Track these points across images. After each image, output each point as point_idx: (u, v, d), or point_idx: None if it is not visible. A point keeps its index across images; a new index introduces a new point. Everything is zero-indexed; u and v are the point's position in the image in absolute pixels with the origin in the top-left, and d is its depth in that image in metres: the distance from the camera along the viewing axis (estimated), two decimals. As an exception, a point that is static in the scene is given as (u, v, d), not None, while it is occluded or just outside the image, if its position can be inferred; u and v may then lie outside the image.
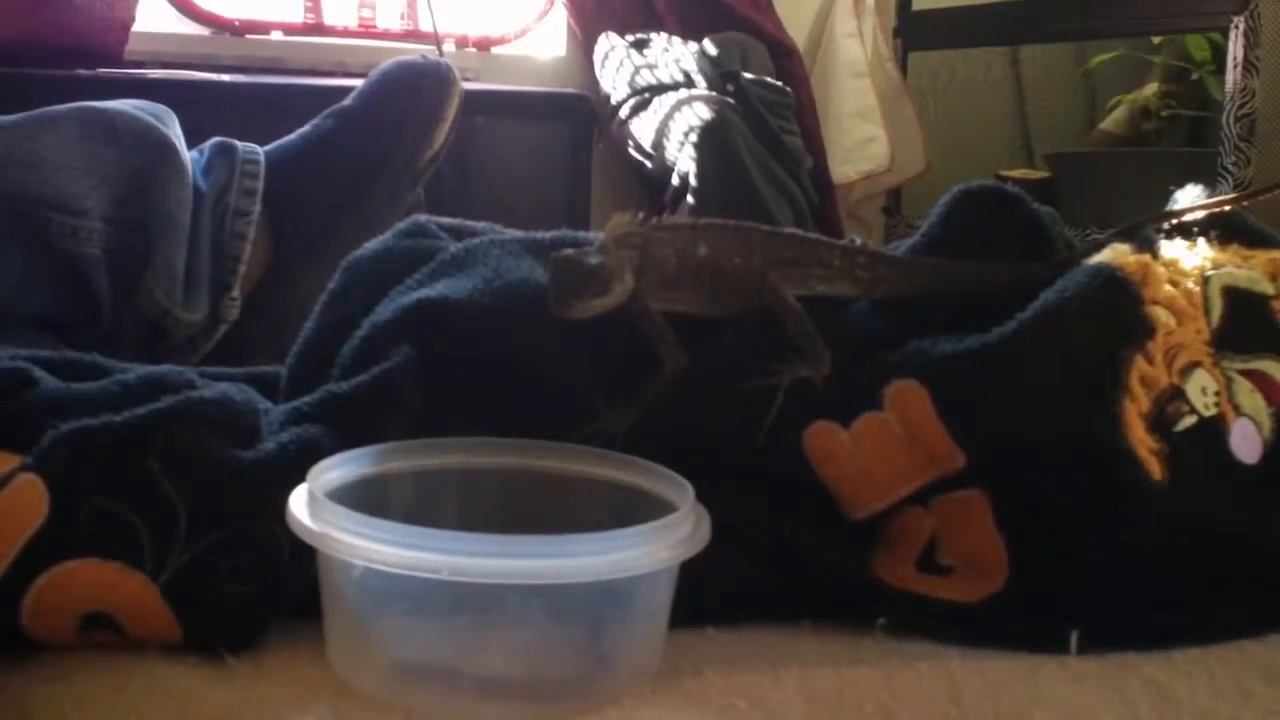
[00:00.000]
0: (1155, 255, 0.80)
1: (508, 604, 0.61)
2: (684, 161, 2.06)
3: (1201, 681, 0.67)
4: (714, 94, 2.13)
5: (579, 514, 0.68)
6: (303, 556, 0.64)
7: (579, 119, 1.97)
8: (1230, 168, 2.05)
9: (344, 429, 0.71)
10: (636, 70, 2.25)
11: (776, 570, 0.73)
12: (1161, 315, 0.75)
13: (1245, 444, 0.76)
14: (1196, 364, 0.76)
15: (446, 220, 0.88)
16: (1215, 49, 2.54)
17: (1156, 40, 2.74)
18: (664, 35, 2.31)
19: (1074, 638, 0.70)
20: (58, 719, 0.59)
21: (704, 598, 0.68)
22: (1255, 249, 0.84)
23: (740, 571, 0.72)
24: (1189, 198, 0.90)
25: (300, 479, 0.65)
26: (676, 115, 2.11)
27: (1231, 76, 2.07)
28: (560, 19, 2.47)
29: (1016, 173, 2.67)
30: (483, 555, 0.58)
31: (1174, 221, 0.85)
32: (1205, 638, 0.72)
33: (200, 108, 1.40)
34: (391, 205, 1.28)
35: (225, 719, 0.60)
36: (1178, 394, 0.74)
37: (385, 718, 0.60)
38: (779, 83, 2.24)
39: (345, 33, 2.33)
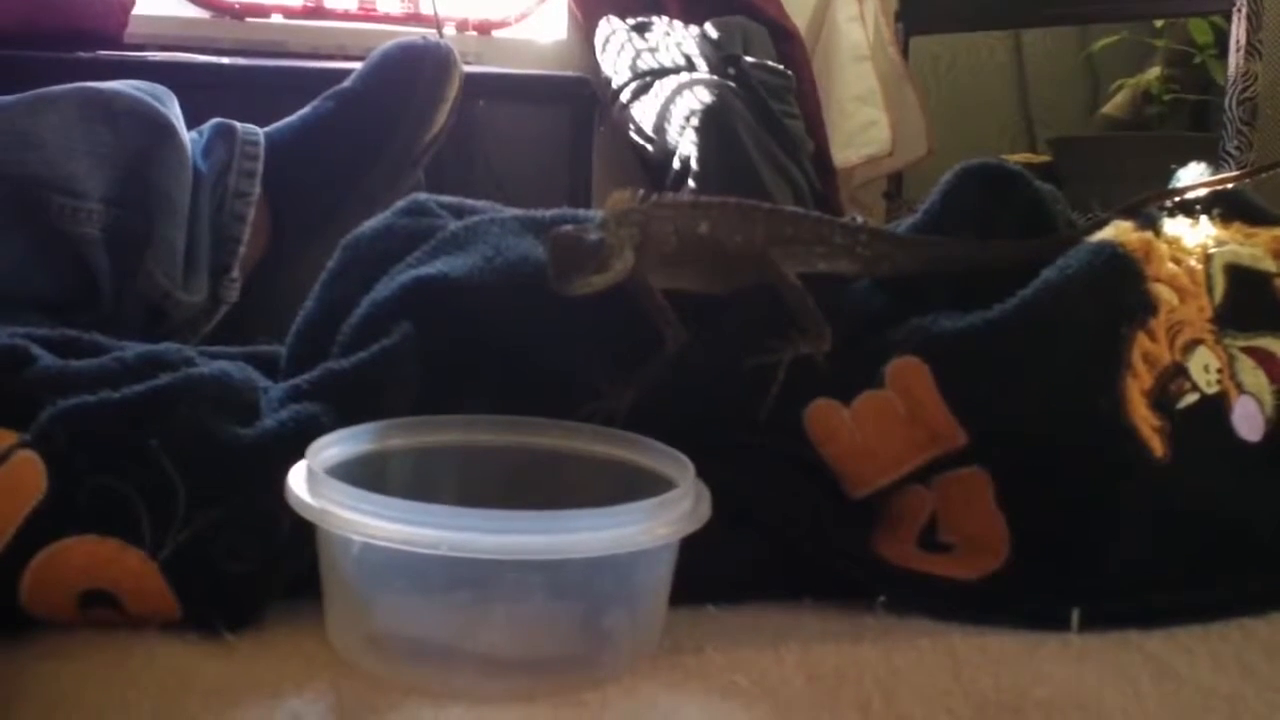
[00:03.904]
0: (1158, 233, 0.79)
1: (507, 580, 0.61)
2: (685, 145, 2.05)
3: (1203, 658, 0.67)
4: (715, 78, 2.12)
5: (579, 491, 0.68)
6: (302, 534, 0.64)
7: (580, 103, 1.96)
8: (1232, 151, 2.04)
9: (343, 406, 0.71)
10: (638, 54, 2.25)
11: (777, 548, 0.73)
12: (1164, 293, 0.75)
13: (1247, 422, 0.76)
14: (1199, 341, 0.75)
15: (446, 199, 0.88)
16: (1218, 32, 2.54)
17: (1159, 24, 2.74)
18: (665, 19, 2.30)
19: (1075, 615, 0.70)
20: (57, 696, 0.59)
21: (705, 575, 0.68)
22: (1258, 227, 0.84)
23: (741, 549, 0.72)
24: (1191, 176, 0.89)
25: (299, 456, 0.65)
26: (678, 99, 2.11)
27: (1234, 60, 2.07)
28: (561, 2, 2.46)
29: (1018, 157, 2.67)
30: (482, 531, 0.58)
31: (1176, 199, 0.85)
32: (1207, 615, 0.72)
33: (200, 91, 1.39)
34: (392, 187, 1.27)
35: (224, 696, 0.60)
36: (1180, 371, 0.74)
37: (385, 695, 0.60)
38: (780, 66, 2.24)
39: (345, 16, 2.33)
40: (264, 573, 0.67)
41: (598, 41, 2.34)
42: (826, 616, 0.71)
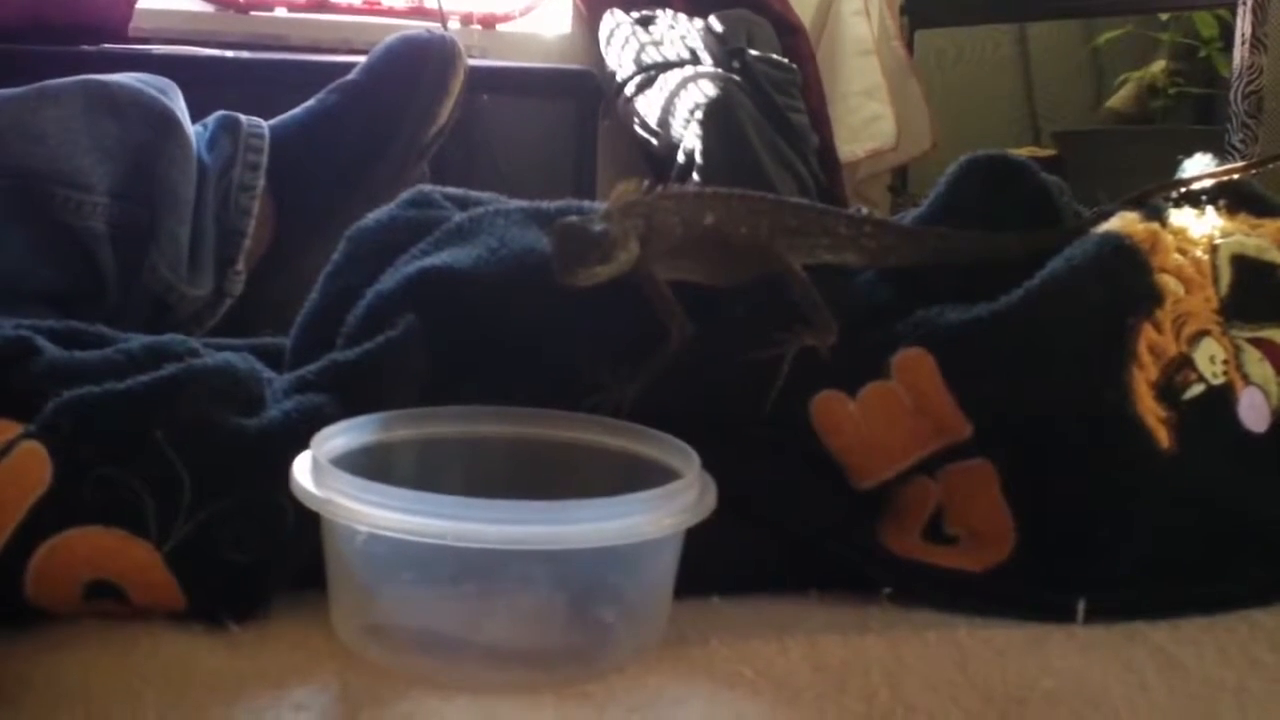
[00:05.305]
0: (1164, 224, 0.79)
1: (512, 571, 0.61)
2: (689, 139, 2.05)
3: (1209, 650, 0.67)
4: (720, 71, 2.12)
5: (584, 482, 0.68)
6: (307, 525, 0.64)
7: (584, 96, 1.96)
8: (1238, 145, 2.04)
9: (348, 397, 0.71)
10: (642, 47, 2.24)
11: (783, 540, 0.73)
12: (1170, 283, 0.75)
13: (1254, 413, 0.76)
14: (1205, 332, 0.75)
15: (451, 190, 0.88)
16: (1223, 26, 2.53)
17: (1164, 17, 2.73)
18: (670, 12, 2.29)
19: (1081, 606, 0.70)
20: (62, 687, 0.59)
21: (710, 567, 0.68)
22: (1264, 218, 0.83)
23: (746, 540, 0.72)
24: (1197, 167, 0.89)
25: (304, 447, 0.64)
26: (682, 92, 2.10)
27: (1239, 53, 2.06)
28: (566, -4, 2.46)
29: (1023, 151, 2.66)
30: (487, 521, 0.57)
31: (1182, 190, 0.85)
32: (1212, 607, 0.72)
33: (205, 84, 1.39)
34: (396, 180, 1.27)
35: (229, 687, 0.60)
36: (1186, 362, 0.74)
37: (389, 685, 0.59)
38: (785, 60, 2.23)
39: (350, 10, 2.32)
40: (269, 564, 0.67)
41: (602, 35, 2.34)
42: (832, 608, 0.71)
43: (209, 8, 2.23)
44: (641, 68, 2.22)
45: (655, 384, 0.74)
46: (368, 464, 0.66)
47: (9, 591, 0.64)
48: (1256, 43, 2.04)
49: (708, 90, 2.07)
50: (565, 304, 0.74)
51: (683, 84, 2.11)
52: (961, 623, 0.69)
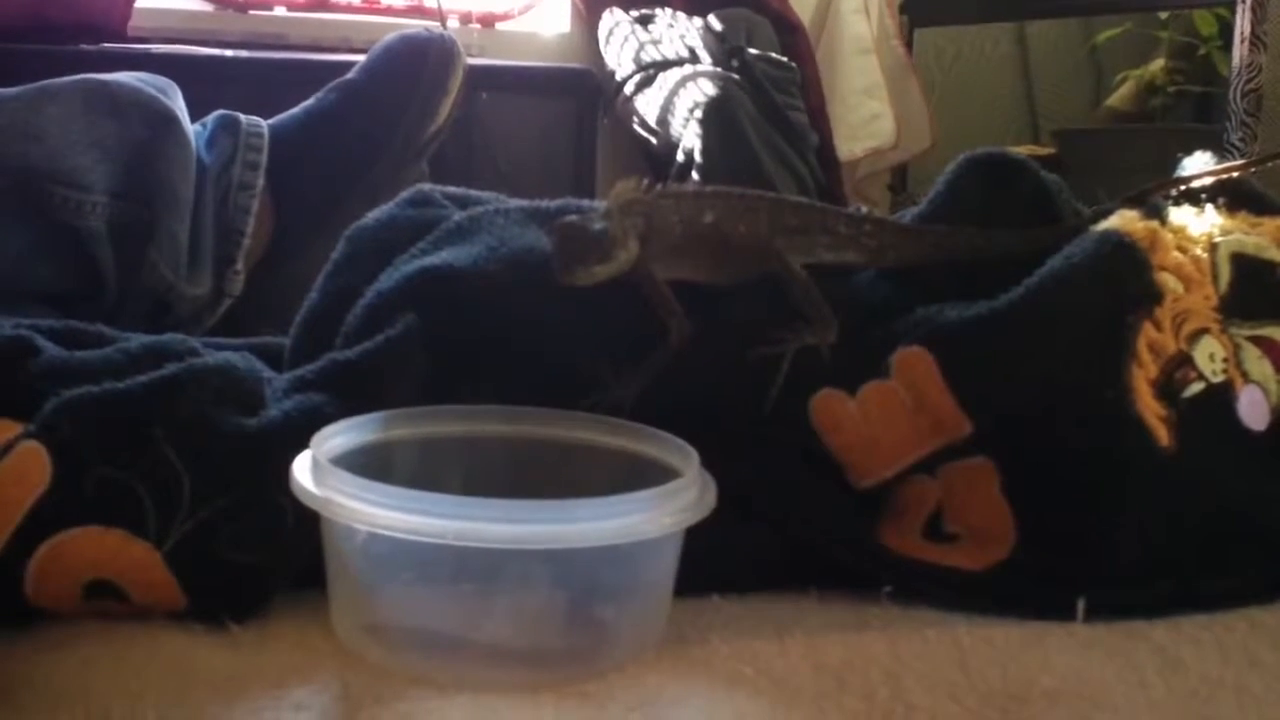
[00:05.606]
0: (1163, 222, 0.79)
1: (512, 570, 0.61)
2: (689, 138, 2.05)
3: (1209, 648, 0.67)
4: (719, 70, 2.12)
5: (584, 481, 0.68)
6: (307, 524, 0.64)
7: (584, 95, 1.96)
8: (1237, 143, 2.04)
9: (348, 396, 0.71)
10: (641, 46, 2.24)
11: (783, 538, 0.73)
12: (1169, 281, 0.75)
13: (1253, 411, 0.76)
14: (1204, 330, 0.75)
15: (451, 189, 0.88)
16: (1223, 24, 2.53)
17: (1164, 16, 2.73)
18: (669, 11, 2.29)
19: (1081, 605, 0.70)
20: (61, 686, 0.59)
21: (710, 565, 0.68)
22: (1263, 216, 0.83)
23: (746, 539, 0.72)
24: (1197, 165, 0.89)
25: (304, 446, 0.64)
26: (681, 91, 2.10)
27: (1238, 52, 2.06)
28: (564, -5, 2.46)
29: (1022, 149, 2.65)
30: (487, 520, 0.57)
31: (1182, 188, 0.85)
32: (1213, 605, 0.72)
33: (204, 83, 1.39)
34: (395, 179, 1.27)
35: (229, 686, 0.59)
36: (1186, 360, 0.74)
37: (389, 685, 0.59)
38: (784, 59, 2.23)
39: (349, 9, 2.33)
40: (269, 563, 0.66)
41: (601, 34, 2.34)
42: (832, 607, 0.71)
43: (208, 7, 2.23)
44: (641, 66, 2.21)
45: (655, 384, 0.74)
46: (367, 463, 0.66)
47: (9, 591, 0.64)
48: (1256, 41, 2.04)
49: (707, 89, 2.06)
50: (565, 303, 0.74)
51: (682, 83, 2.11)
52: (961, 621, 0.69)
